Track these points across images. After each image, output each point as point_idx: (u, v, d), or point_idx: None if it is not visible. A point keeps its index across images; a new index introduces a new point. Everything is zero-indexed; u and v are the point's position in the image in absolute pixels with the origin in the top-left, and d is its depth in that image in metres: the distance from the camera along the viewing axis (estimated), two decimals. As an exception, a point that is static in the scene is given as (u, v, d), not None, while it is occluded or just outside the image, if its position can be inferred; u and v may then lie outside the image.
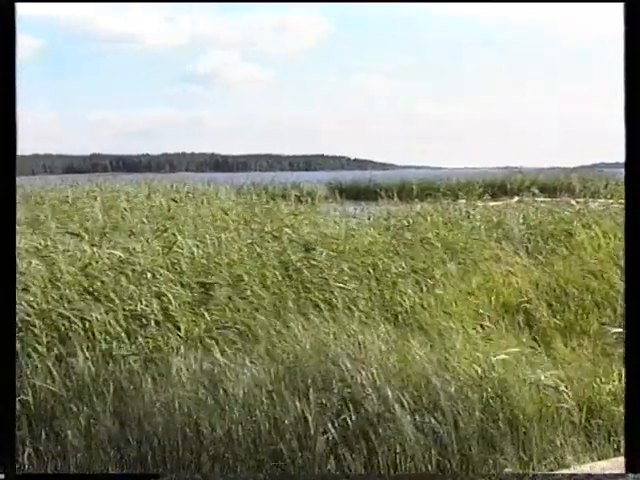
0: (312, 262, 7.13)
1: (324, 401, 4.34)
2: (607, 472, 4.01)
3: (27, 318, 5.24)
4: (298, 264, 7.03)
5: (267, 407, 4.35)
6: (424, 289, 6.68)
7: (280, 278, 6.63)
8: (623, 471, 3.86)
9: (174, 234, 7.63)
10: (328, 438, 4.19)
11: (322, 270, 6.95)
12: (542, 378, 4.66)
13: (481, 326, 6.04)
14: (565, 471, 4.16)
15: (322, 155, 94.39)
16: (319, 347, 4.89)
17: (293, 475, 4.16)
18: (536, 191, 15.97)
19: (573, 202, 13.65)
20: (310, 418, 4.24)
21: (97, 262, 6.29)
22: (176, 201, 12.67)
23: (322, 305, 6.15)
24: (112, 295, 5.70)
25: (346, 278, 6.85)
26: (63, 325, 5.33)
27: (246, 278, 6.36)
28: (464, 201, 13.46)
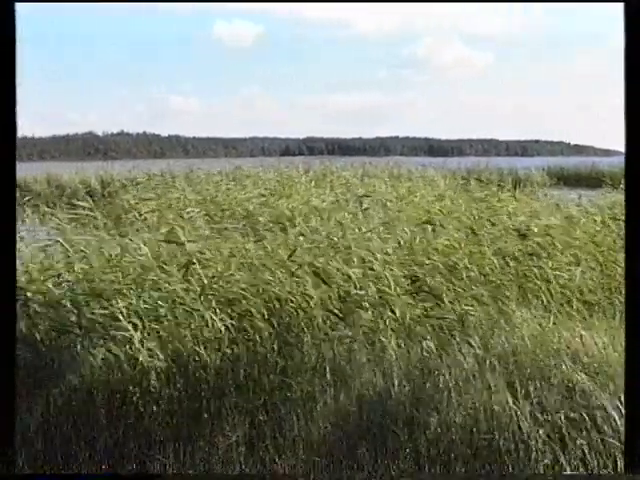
0: (530, 251, 6.91)
1: (542, 395, 4.20)
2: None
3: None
4: (516, 253, 6.83)
5: (482, 397, 4.27)
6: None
7: (497, 267, 6.47)
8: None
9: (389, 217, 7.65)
10: (545, 433, 4.04)
11: (541, 259, 6.71)
12: None
13: None
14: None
15: (539, 141, 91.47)
16: (538, 339, 4.72)
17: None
18: None
19: None
20: (526, 412, 4.12)
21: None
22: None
23: (542, 296, 5.94)
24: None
25: (567, 268, 6.57)
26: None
27: (461, 265, 6.25)
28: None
